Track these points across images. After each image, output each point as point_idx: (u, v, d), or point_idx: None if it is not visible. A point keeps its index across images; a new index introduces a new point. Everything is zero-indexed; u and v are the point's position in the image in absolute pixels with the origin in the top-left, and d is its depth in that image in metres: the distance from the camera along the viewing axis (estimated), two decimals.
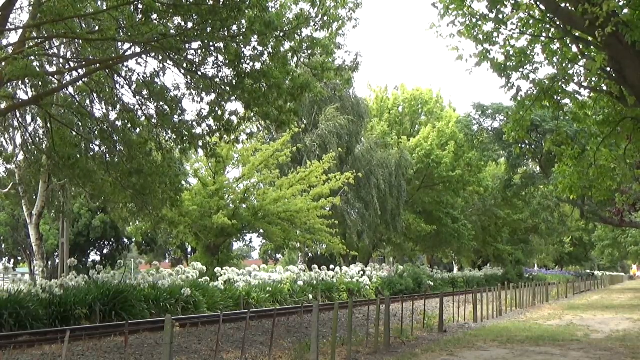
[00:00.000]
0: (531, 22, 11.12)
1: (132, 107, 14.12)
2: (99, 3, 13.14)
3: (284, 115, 13.24)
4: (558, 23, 10.51)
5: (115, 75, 13.86)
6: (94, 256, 43.99)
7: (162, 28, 11.05)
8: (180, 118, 13.68)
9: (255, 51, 12.31)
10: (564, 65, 11.55)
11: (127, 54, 12.81)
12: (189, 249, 45.91)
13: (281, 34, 12.09)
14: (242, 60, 12.21)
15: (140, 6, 10.78)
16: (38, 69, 12.41)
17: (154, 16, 10.88)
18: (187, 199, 23.68)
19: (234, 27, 11.68)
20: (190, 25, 11.33)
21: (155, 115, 13.89)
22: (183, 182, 22.63)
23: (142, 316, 15.74)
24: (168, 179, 15.34)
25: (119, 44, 13.24)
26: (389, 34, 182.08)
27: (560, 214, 45.83)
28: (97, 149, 15.64)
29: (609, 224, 42.79)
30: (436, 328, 15.81)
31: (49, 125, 14.65)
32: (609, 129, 12.25)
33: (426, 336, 14.45)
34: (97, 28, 12.64)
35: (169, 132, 14.25)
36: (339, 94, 32.05)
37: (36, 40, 12.72)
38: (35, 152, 16.45)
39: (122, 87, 14.09)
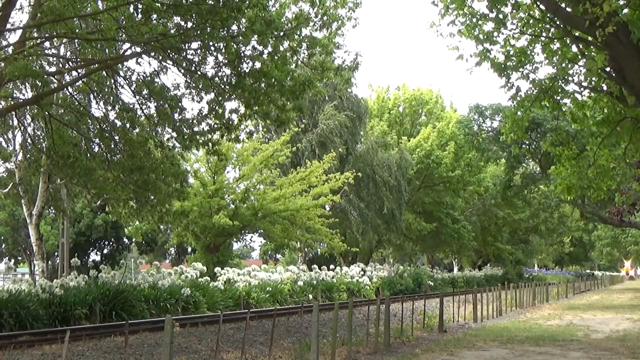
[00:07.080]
0: (531, 22, 11.12)
1: (132, 106, 14.12)
2: (99, 3, 13.14)
3: (284, 114, 13.23)
4: (558, 23, 10.50)
5: (115, 75, 13.86)
6: (94, 256, 43.95)
7: (161, 28, 11.05)
8: (180, 117, 13.68)
9: (255, 50, 12.31)
10: (563, 65, 11.54)
11: (127, 54, 12.81)
12: (189, 249, 45.89)
13: (281, 34, 12.09)
14: (242, 60, 12.20)
15: (140, 6, 10.78)
16: (38, 69, 12.40)
17: (154, 16, 10.89)
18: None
19: (234, 27, 11.68)
20: (190, 25, 11.33)
21: (155, 114, 13.89)
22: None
23: (142, 316, 15.73)
24: (171, 174, 15.34)
25: (119, 43, 13.24)
26: (390, 34, 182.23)
27: (560, 214, 45.82)
28: (97, 148, 15.64)
29: (609, 224, 42.76)
30: (436, 328, 15.81)
31: (48, 125, 14.64)
32: (609, 129, 12.25)
33: (426, 336, 14.44)
34: (97, 28, 12.64)
35: (170, 130, 14.26)
36: (338, 93, 32.06)
37: (36, 40, 12.71)
38: (35, 152, 16.44)
39: (122, 86, 14.11)
